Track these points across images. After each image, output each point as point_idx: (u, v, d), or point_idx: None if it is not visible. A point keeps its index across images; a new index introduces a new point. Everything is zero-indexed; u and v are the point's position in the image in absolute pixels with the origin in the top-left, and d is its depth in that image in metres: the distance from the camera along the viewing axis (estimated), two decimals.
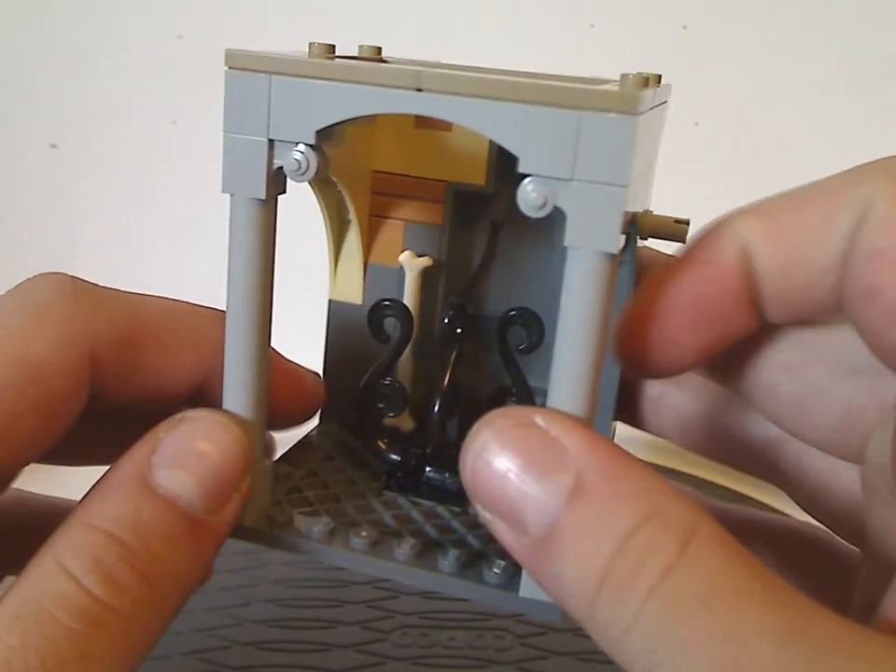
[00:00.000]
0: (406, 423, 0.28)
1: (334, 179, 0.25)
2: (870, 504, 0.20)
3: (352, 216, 0.27)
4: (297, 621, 0.39)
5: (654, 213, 0.23)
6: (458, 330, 0.27)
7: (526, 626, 0.38)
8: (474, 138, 0.25)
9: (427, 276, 0.27)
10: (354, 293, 0.27)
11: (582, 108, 0.16)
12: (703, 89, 0.58)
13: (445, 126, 0.25)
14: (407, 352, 0.27)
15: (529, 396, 0.25)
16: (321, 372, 0.27)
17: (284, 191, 0.20)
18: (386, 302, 0.26)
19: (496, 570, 0.20)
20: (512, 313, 0.26)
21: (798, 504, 0.24)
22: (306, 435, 0.27)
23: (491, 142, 0.25)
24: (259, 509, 0.22)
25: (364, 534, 0.21)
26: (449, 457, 0.24)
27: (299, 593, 0.40)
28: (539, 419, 0.17)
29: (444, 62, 0.24)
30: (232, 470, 0.20)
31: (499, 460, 0.17)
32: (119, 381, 0.22)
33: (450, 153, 0.25)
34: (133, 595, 0.18)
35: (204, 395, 0.23)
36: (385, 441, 0.26)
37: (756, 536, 0.25)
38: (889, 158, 0.18)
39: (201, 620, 0.38)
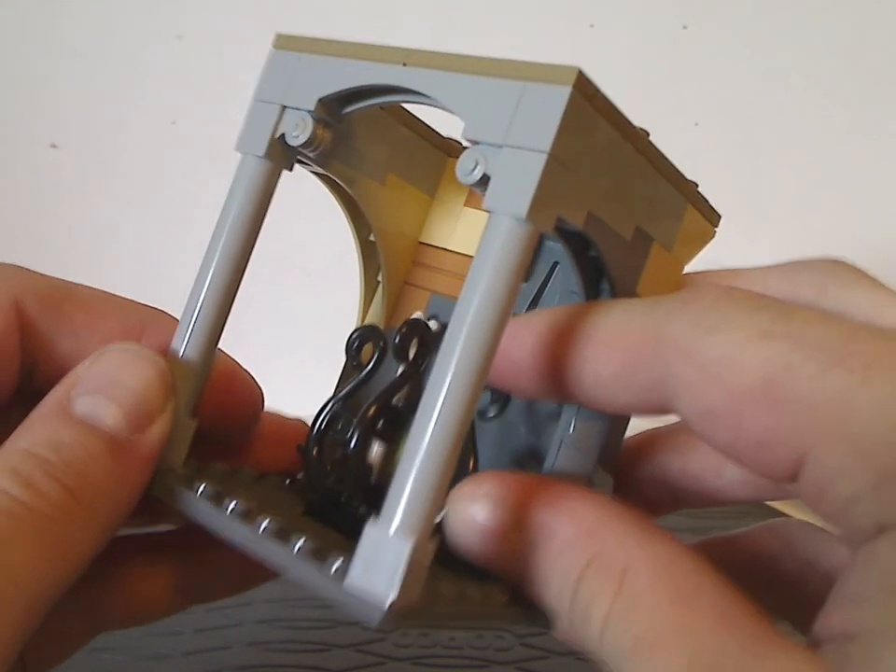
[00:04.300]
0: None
1: (374, 240, 0.26)
2: None
3: (382, 277, 0.27)
4: (297, 621, 0.39)
5: None
6: (413, 352, 0.24)
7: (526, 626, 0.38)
8: None
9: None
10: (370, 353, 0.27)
11: (523, 79, 0.17)
12: (703, 89, 0.58)
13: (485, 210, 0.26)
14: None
15: (467, 459, 0.24)
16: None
17: (289, 167, 0.22)
18: (369, 327, 0.25)
19: (337, 562, 0.18)
20: None
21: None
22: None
23: None
24: (167, 461, 0.21)
25: (239, 502, 0.20)
26: (369, 493, 0.23)
27: (299, 593, 0.40)
28: (489, 489, 0.19)
29: None
30: (153, 392, 0.20)
31: (476, 532, 0.19)
32: (47, 338, 0.23)
33: None
34: (52, 499, 0.19)
35: None
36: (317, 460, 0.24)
37: (749, 553, 0.25)
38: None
39: (201, 620, 0.38)
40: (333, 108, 0.21)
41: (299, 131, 0.21)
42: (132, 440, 0.20)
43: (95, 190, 0.65)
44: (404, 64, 0.19)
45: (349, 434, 0.24)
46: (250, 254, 0.22)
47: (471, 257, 0.26)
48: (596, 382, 0.19)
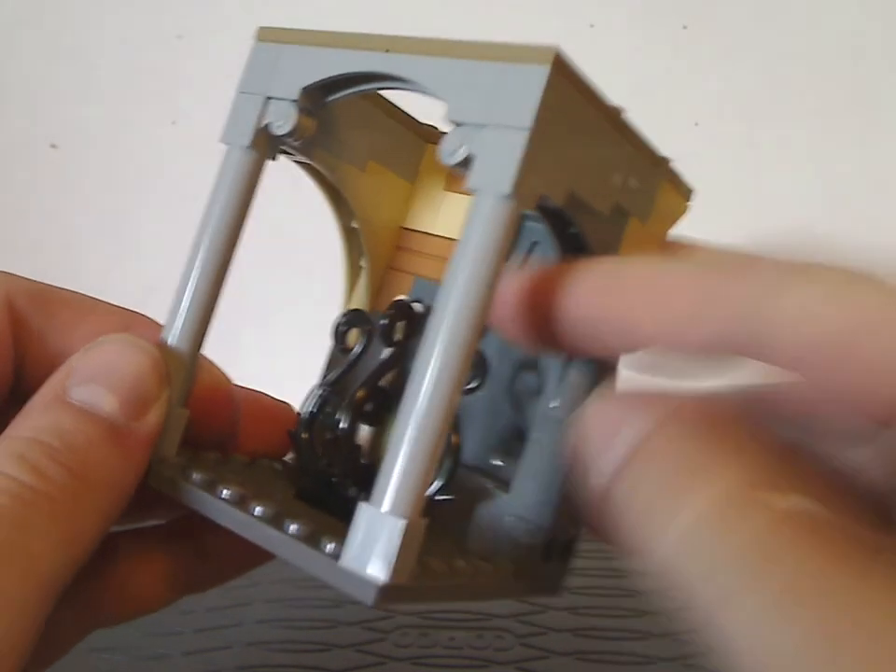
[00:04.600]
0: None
1: (356, 226, 0.26)
2: None
3: (364, 263, 0.27)
4: (297, 621, 0.39)
5: None
6: (396, 337, 0.24)
7: (526, 626, 0.38)
8: None
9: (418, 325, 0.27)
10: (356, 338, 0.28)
11: (503, 60, 0.18)
12: (703, 89, 0.58)
13: (468, 191, 0.27)
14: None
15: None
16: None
17: (273, 157, 0.22)
18: (355, 311, 0.26)
19: (331, 544, 0.18)
20: None
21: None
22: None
23: None
24: (161, 451, 0.22)
25: (234, 489, 0.20)
26: (360, 474, 0.24)
27: (299, 593, 0.40)
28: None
29: None
30: (147, 380, 0.21)
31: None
32: (38, 336, 0.23)
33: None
34: (59, 483, 0.19)
35: None
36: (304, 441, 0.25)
37: None
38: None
39: (201, 620, 0.38)
40: (317, 97, 0.21)
41: (283, 120, 0.21)
42: (129, 426, 0.20)
43: (95, 190, 0.65)
44: (387, 51, 0.20)
45: (337, 417, 0.24)
46: (237, 244, 0.22)
47: (453, 240, 0.26)
48: (652, 333, 0.19)
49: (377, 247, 0.27)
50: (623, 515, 0.17)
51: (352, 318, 0.25)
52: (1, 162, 0.65)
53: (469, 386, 0.24)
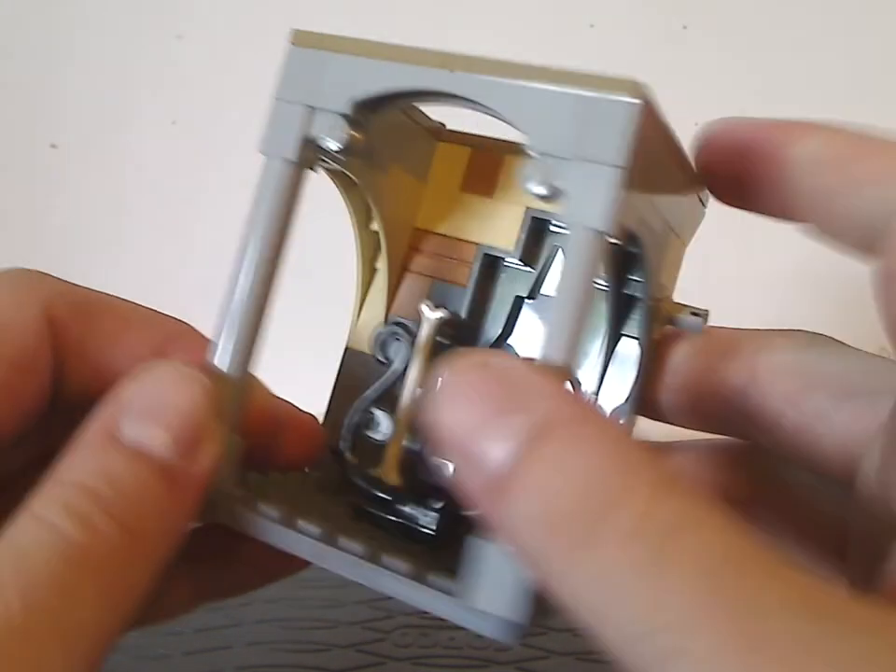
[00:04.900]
0: (391, 476, 0.26)
1: (377, 226, 0.26)
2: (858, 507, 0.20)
3: (381, 264, 0.27)
4: (297, 621, 0.39)
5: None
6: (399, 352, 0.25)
7: None
8: (511, 207, 0.26)
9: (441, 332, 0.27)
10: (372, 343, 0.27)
11: (589, 90, 0.17)
12: (703, 89, 0.58)
13: (487, 192, 0.26)
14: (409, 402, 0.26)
15: None
16: (322, 418, 0.27)
17: (314, 167, 0.21)
18: (398, 323, 0.26)
19: (438, 576, 0.18)
20: None
21: (781, 451, 0.23)
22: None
23: (526, 213, 0.26)
24: (220, 482, 0.21)
25: (314, 524, 0.20)
26: (421, 492, 0.24)
27: (299, 593, 0.40)
28: (505, 363, 0.17)
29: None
30: (199, 415, 0.19)
31: (462, 398, 0.16)
32: (79, 344, 0.22)
33: (487, 218, 0.26)
34: (109, 538, 0.18)
35: None
36: (355, 457, 0.25)
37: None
38: None
39: (201, 620, 0.38)
40: (367, 110, 0.20)
41: (333, 134, 0.20)
42: (183, 466, 0.19)
43: (95, 190, 0.65)
44: (452, 70, 0.19)
45: (385, 433, 0.25)
46: (282, 260, 0.21)
47: (469, 242, 0.26)
48: None
49: (395, 249, 0.27)
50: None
51: (395, 329, 0.25)
52: (1, 162, 0.65)
53: None
